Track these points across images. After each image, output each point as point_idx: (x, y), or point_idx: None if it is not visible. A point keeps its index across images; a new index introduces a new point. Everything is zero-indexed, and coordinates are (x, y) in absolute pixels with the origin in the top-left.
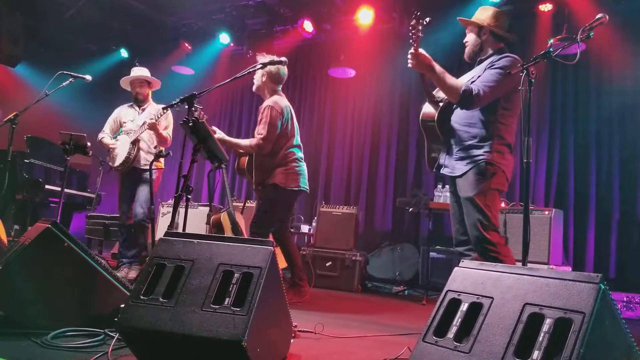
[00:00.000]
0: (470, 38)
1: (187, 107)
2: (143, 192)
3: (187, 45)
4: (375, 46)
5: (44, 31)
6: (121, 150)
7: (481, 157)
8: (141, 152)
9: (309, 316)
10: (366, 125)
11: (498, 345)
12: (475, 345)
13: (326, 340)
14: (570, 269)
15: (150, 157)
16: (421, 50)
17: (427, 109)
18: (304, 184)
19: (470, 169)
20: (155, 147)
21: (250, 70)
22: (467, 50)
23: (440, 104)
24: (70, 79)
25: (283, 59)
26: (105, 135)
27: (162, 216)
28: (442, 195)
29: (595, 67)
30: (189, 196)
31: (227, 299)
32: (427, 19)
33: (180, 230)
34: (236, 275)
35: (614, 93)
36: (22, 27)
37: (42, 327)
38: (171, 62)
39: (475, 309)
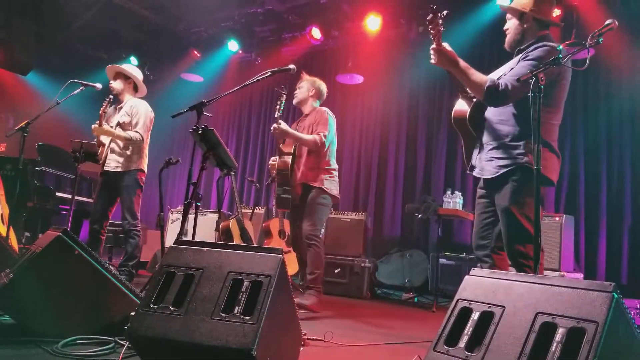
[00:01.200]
0: (510, 25)
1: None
2: (125, 198)
3: (196, 52)
4: (383, 52)
5: (55, 40)
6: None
7: (515, 160)
8: (113, 154)
9: (318, 324)
10: (374, 131)
11: (510, 355)
12: (486, 355)
13: (335, 349)
14: (581, 276)
15: (122, 160)
16: (445, 45)
17: (459, 105)
18: (338, 193)
19: (503, 172)
20: (129, 150)
21: (260, 78)
22: (507, 38)
23: (474, 100)
24: (81, 87)
25: (291, 66)
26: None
27: (171, 223)
28: (452, 201)
29: (604, 71)
30: (199, 203)
31: (237, 308)
32: (445, 12)
33: (189, 237)
34: (246, 283)
35: (624, 97)
36: (34, 36)
37: (52, 335)
38: (180, 69)
39: (486, 317)
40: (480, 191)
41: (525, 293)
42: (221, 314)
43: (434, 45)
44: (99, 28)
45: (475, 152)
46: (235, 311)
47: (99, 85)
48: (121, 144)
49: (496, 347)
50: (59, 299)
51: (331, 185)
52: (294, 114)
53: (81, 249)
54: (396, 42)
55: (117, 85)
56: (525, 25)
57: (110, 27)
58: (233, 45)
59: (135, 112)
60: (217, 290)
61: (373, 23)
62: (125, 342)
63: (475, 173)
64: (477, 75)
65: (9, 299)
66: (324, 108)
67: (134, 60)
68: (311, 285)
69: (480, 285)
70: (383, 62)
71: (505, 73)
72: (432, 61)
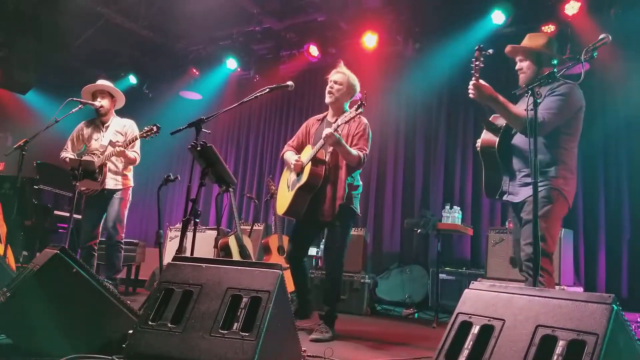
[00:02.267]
0: (525, 65)
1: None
2: (117, 212)
3: (194, 70)
4: (381, 69)
5: (54, 59)
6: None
7: (546, 183)
8: (109, 174)
9: None
10: (372, 147)
11: None
12: None
13: None
14: (582, 289)
15: (119, 178)
16: (481, 81)
17: (486, 135)
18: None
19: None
20: (126, 168)
21: (258, 94)
22: (523, 77)
23: (500, 130)
24: (79, 106)
25: (290, 83)
26: (68, 155)
27: (170, 240)
28: (451, 216)
29: (599, 86)
30: (197, 220)
31: (236, 324)
32: (491, 51)
33: (188, 254)
34: (244, 299)
35: (620, 111)
36: (33, 55)
37: (49, 354)
38: (179, 87)
39: (486, 331)
40: (514, 215)
41: (525, 306)
42: (220, 330)
43: (473, 81)
44: (98, 47)
45: (506, 179)
46: (234, 327)
47: (97, 104)
48: (120, 164)
49: None
50: (57, 318)
51: (357, 203)
52: (285, 105)
53: (79, 267)
54: (393, 59)
55: (106, 104)
56: (541, 66)
57: (109, 46)
58: (231, 63)
59: (130, 131)
60: (215, 306)
61: (370, 40)
62: None
63: (508, 198)
64: (516, 109)
65: (6, 317)
66: (365, 120)
67: (132, 78)
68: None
69: (480, 299)
70: (381, 79)
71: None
72: (471, 95)
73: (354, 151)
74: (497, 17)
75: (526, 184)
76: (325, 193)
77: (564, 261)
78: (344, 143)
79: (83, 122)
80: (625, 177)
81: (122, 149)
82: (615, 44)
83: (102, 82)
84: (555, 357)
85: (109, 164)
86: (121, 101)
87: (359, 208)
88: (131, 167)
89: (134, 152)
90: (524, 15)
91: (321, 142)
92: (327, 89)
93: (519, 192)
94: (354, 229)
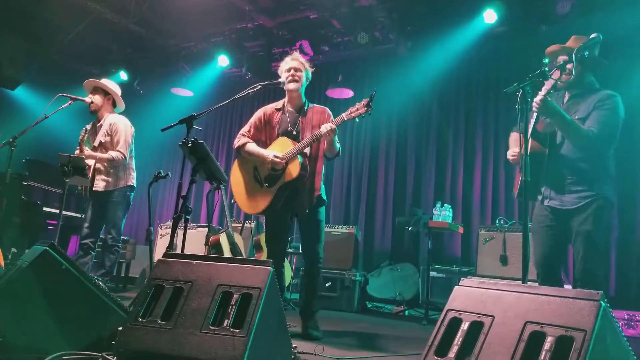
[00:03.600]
0: (570, 67)
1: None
2: (112, 214)
3: (186, 67)
4: (373, 67)
5: (44, 54)
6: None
7: (598, 193)
8: (100, 175)
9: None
10: (365, 145)
11: None
12: None
13: None
14: (570, 287)
15: (110, 179)
16: (547, 97)
17: (533, 142)
18: None
19: (586, 202)
20: (113, 169)
21: (250, 91)
22: (568, 78)
23: (544, 138)
24: (69, 101)
25: (282, 80)
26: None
27: (160, 237)
28: (441, 214)
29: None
30: (188, 217)
31: (226, 321)
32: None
33: (179, 251)
34: (235, 296)
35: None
36: (22, 51)
37: (38, 351)
38: (170, 84)
39: (476, 327)
40: (547, 221)
41: (515, 303)
42: (210, 327)
43: (541, 96)
44: (88, 43)
45: (548, 186)
46: (225, 324)
47: (88, 99)
48: (106, 164)
49: (486, 357)
50: (45, 314)
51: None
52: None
53: (68, 264)
54: (386, 57)
55: (97, 100)
56: (583, 68)
57: (99, 42)
58: (223, 60)
59: (115, 130)
60: (206, 303)
61: (362, 38)
62: (113, 358)
63: (554, 204)
64: (575, 124)
65: None
66: (329, 110)
67: (123, 75)
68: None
69: (470, 296)
70: (373, 77)
71: (581, 116)
72: (534, 108)
73: (338, 144)
74: (489, 16)
75: (576, 192)
76: (305, 185)
77: None
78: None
79: (89, 124)
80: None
81: (89, 153)
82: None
83: (104, 81)
84: (543, 353)
85: (99, 166)
86: (119, 102)
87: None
88: (129, 166)
89: (114, 152)
90: (516, 14)
91: (312, 136)
92: (289, 77)
93: (564, 199)
94: (345, 226)
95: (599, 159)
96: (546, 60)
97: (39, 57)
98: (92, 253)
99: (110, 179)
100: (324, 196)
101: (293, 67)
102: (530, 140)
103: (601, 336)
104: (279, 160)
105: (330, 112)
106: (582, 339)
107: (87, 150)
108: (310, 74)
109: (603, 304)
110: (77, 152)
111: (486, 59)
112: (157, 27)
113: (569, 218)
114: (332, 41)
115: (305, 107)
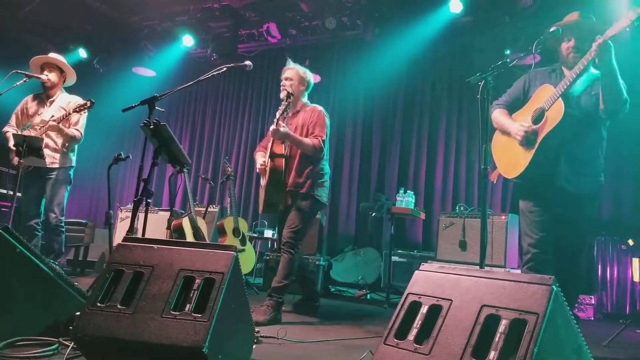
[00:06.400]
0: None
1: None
2: (55, 193)
3: (149, 46)
4: (340, 52)
5: None
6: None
7: (601, 178)
8: (47, 149)
9: None
10: (330, 130)
11: (456, 346)
12: (434, 347)
13: (289, 346)
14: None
15: (57, 156)
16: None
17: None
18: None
19: (592, 188)
20: (64, 145)
21: (214, 73)
22: (579, 59)
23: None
24: (24, 79)
25: (248, 62)
26: (10, 130)
27: (120, 221)
28: (404, 201)
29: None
30: (149, 200)
31: (188, 305)
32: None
33: (139, 235)
34: (197, 281)
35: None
36: None
37: None
38: (132, 63)
39: (435, 311)
40: (545, 205)
41: (472, 287)
42: (172, 312)
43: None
44: (45, 18)
45: (560, 166)
46: (187, 309)
47: (43, 77)
48: (59, 140)
49: (444, 340)
50: (0, 299)
51: (323, 192)
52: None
53: (23, 247)
54: (353, 42)
55: (53, 77)
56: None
57: (58, 17)
58: (188, 40)
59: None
60: (167, 287)
61: (330, 23)
62: (70, 343)
63: (567, 186)
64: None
65: None
66: (320, 107)
67: (82, 52)
68: (274, 294)
69: (429, 280)
70: (340, 62)
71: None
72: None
73: (306, 140)
74: (455, 5)
75: (587, 175)
76: (283, 182)
77: (510, 245)
78: (292, 135)
79: (29, 96)
80: None
81: (54, 123)
82: None
83: (53, 55)
84: (498, 335)
85: (47, 141)
86: (72, 77)
87: (327, 197)
88: (74, 146)
89: (75, 130)
90: (480, 4)
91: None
92: (281, 86)
93: (580, 182)
94: None
95: (604, 142)
96: (508, 52)
97: None
98: (38, 234)
99: (58, 157)
100: (317, 195)
101: (284, 77)
102: (560, 101)
103: (552, 319)
104: (261, 167)
105: (320, 110)
106: (534, 322)
107: (51, 122)
108: (308, 78)
109: (555, 288)
110: (33, 121)
111: (451, 48)
112: (119, 4)
113: (566, 200)
114: (299, 25)
115: (299, 109)
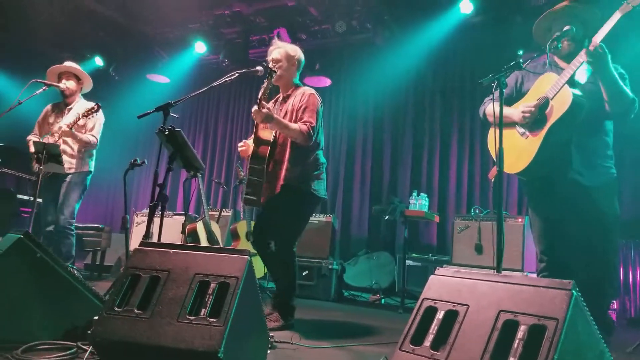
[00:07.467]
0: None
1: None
2: (67, 196)
3: (162, 53)
4: (351, 56)
5: (17, 39)
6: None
7: (614, 170)
8: (65, 156)
9: None
10: (342, 133)
11: (474, 353)
12: (451, 353)
13: (303, 351)
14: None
15: (73, 161)
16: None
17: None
18: (326, 193)
19: (605, 181)
20: (80, 151)
21: (227, 79)
22: (573, 47)
23: None
24: (43, 87)
25: (259, 67)
26: (33, 138)
27: (136, 226)
28: (418, 203)
29: None
30: (165, 205)
31: (203, 310)
32: None
33: (155, 240)
34: (212, 285)
35: None
36: None
37: (12, 340)
38: (147, 70)
39: (451, 316)
40: (544, 202)
41: (489, 291)
42: (187, 316)
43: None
44: (62, 28)
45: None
46: (202, 313)
47: (62, 85)
48: (75, 146)
49: (460, 345)
50: (20, 304)
51: (320, 186)
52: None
53: (43, 252)
54: (363, 46)
55: (71, 85)
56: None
57: (74, 27)
58: (200, 47)
59: (91, 115)
60: (183, 292)
61: (340, 27)
62: (88, 347)
63: (580, 179)
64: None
65: None
66: (311, 90)
67: (98, 60)
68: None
69: (445, 285)
70: (350, 66)
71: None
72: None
73: (293, 125)
74: (465, 6)
75: (598, 166)
76: (268, 173)
77: (527, 248)
78: (277, 118)
79: (49, 105)
80: None
81: (67, 129)
82: None
83: (69, 64)
84: (516, 341)
85: (65, 147)
86: (88, 84)
87: (325, 190)
88: (92, 152)
89: (91, 136)
90: (491, 5)
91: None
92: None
93: (591, 174)
94: (322, 215)
95: (610, 134)
96: (520, 52)
97: (12, 42)
98: (55, 239)
99: (74, 162)
100: (313, 188)
101: (271, 59)
102: (566, 87)
103: (572, 324)
104: (241, 149)
105: (312, 93)
106: (554, 328)
107: (64, 128)
108: (298, 56)
109: (575, 292)
110: (52, 129)
111: (462, 49)
112: (133, 13)
113: (577, 192)
114: (309, 29)
115: (289, 93)
